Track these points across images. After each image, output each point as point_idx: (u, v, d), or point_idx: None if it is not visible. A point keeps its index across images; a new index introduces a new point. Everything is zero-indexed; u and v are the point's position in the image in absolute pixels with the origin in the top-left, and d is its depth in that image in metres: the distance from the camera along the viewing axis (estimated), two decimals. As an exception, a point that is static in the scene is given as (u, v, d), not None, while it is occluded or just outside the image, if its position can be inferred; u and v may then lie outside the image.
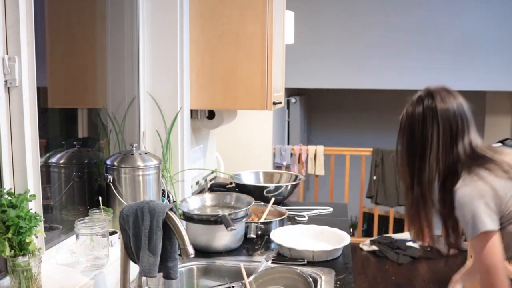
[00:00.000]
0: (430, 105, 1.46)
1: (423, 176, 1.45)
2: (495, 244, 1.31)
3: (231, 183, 2.47)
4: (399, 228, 4.92)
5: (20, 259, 1.06)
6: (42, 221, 1.19)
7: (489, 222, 1.30)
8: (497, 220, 1.32)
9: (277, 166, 4.42)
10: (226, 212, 1.73)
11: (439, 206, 1.46)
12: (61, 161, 1.52)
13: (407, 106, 1.53)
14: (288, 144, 5.52)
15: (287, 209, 2.19)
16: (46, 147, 1.46)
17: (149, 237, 1.18)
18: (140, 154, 1.62)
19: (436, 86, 1.51)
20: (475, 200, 1.32)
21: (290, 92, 5.75)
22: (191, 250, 1.16)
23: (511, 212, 1.33)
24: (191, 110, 2.04)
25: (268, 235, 1.84)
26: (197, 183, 2.28)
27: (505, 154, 1.45)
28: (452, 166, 1.43)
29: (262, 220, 1.99)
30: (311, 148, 4.50)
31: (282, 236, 1.79)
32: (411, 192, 1.49)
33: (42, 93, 1.34)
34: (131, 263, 1.28)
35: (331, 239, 1.81)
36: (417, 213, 1.48)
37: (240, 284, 1.50)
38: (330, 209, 2.33)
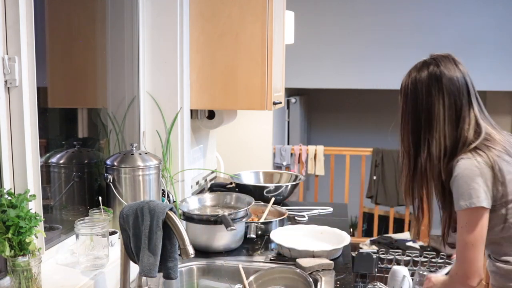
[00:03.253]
0: (435, 72, 1.39)
1: (431, 148, 1.39)
2: (484, 223, 1.30)
3: (231, 183, 2.47)
4: (399, 228, 4.92)
5: (20, 259, 1.06)
6: (42, 221, 1.19)
7: (485, 199, 1.28)
8: (491, 200, 1.31)
9: (277, 166, 4.42)
10: (226, 212, 1.73)
11: (440, 188, 1.41)
12: (61, 161, 1.52)
13: (411, 70, 1.46)
14: (288, 144, 5.52)
15: (287, 209, 2.19)
16: (46, 147, 1.46)
17: (149, 237, 1.18)
18: (140, 154, 1.62)
19: (442, 53, 1.45)
20: (475, 175, 1.29)
21: (290, 92, 5.75)
22: (191, 250, 1.16)
23: (504, 197, 1.32)
24: (191, 110, 2.04)
25: (268, 235, 1.84)
26: (197, 183, 2.28)
27: (506, 135, 1.43)
28: (456, 143, 1.38)
29: (262, 220, 1.99)
30: (311, 148, 4.50)
31: (282, 236, 1.79)
32: (413, 162, 1.44)
33: (42, 93, 1.34)
34: (131, 263, 1.28)
35: (331, 239, 1.80)
36: (420, 186, 1.45)
37: (241, 285, 1.50)
38: (330, 209, 2.33)
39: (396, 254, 3.68)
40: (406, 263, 3.62)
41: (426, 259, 3.66)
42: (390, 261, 3.62)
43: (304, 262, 1.58)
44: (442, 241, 1.49)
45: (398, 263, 3.66)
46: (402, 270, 1.86)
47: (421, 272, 1.87)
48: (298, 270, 1.52)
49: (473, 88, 1.41)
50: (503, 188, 1.31)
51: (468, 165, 1.31)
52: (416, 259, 3.63)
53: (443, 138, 1.37)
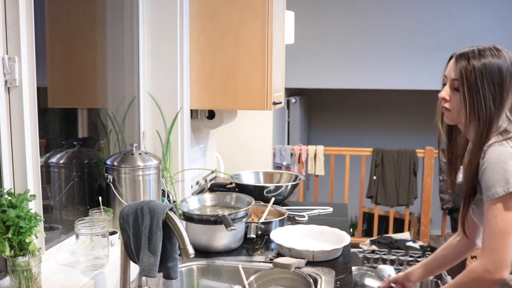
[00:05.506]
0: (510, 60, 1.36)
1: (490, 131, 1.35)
2: None
3: (231, 183, 2.47)
4: (399, 228, 4.92)
5: (20, 259, 1.06)
6: (42, 221, 1.19)
7: None
8: None
9: (277, 166, 4.42)
10: (226, 212, 1.73)
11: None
12: (61, 161, 1.52)
13: (486, 53, 1.36)
14: (288, 144, 5.52)
15: (287, 209, 2.19)
16: (46, 147, 1.46)
17: (149, 237, 1.18)
18: (140, 154, 1.62)
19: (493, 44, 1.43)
20: (509, 160, 1.27)
21: (290, 92, 5.76)
22: (191, 250, 1.16)
23: None
24: (191, 110, 2.04)
25: (268, 235, 1.84)
26: (197, 183, 2.28)
27: None
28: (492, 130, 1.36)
29: (262, 220, 1.99)
30: (311, 148, 4.50)
31: (282, 236, 1.79)
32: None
33: (42, 93, 1.34)
34: (131, 263, 1.28)
35: (331, 239, 1.81)
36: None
37: (241, 286, 1.50)
38: (330, 209, 2.33)
39: (382, 253, 3.72)
40: (392, 262, 3.65)
41: (412, 258, 3.68)
42: (376, 260, 3.69)
43: (283, 260, 1.57)
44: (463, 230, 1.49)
45: (384, 262, 3.69)
46: (387, 269, 1.86)
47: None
48: (298, 270, 1.51)
49: None
50: None
51: (501, 151, 1.29)
52: (402, 258, 3.67)
53: (495, 121, 1.35)
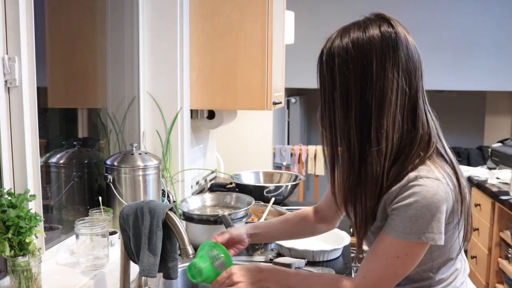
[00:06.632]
0: (390, 35, 1.02)
1: (381, 142, 1.00)
2: (420, 258, 1.05)
3: (231, 183, 2.47)
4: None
5: (20, 259, 1.06)
6: (42, 221, 1.19)
7: (442, 236, 1.00)
8: None
9: (277, 166, 4.43)
10: (226, 212, 1.73)
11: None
12: (61, 161, 1.52)
13: (348, 29, 1.08)
14: (288, 144, 5.52)
15: (287, 209, 2.19)
16: (46, 147, 1.46)
17: (149, 237, 1.18)
18: (140, 154, 1.62)
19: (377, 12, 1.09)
20: (442, 204, 0.99)
21: (290, 92, 5.75)
22: (191, 250, 1.16)
23: (452, 223, 1.07)
24: (191, 110, 2.04)
25: (268, 235, 1.84)
26: (197, 183, 2.28)
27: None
28: (407, 140, 1.03)
29: (262, 220, 1.99)
30: (311, 148, 4.50)
31: (282, 236, 1.79)
32: (357, 161, 1.04)
33: (42, 93, 1.34)
34: (131, 263, 1.28)
35: (331, 239, 1.80)
36: (367, 190, 1.05)
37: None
38: (330, 209, 2.33)
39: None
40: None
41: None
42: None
43: (283, 260, 1.59)
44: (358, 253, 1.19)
45: None
46: None
47: None
48: (298, 270, 1.51)
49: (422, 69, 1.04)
50: (455, 216, 1.06)
51: (436, 190, 0.98)
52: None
53: (391, 129, 1.00)
